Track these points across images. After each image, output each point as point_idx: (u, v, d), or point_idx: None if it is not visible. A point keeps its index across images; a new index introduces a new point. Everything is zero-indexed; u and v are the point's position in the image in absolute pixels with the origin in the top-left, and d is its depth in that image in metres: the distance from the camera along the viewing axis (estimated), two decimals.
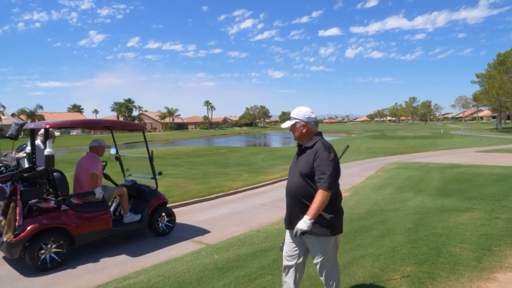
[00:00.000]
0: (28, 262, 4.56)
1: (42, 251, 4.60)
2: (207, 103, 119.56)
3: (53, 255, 4.69)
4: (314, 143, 2.65)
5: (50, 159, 4.76)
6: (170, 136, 74.71)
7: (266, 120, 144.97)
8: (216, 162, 18.98)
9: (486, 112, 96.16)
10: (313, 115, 2.74)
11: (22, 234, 4.42)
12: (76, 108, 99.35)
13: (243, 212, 7.84)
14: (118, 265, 4.82)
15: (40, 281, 4.39)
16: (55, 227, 4.73)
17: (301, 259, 2.76)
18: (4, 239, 4.37)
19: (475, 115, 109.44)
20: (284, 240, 2.87)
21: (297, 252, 2.75)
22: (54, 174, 4.83)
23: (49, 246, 4.65)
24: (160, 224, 5.95)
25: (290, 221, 2.71)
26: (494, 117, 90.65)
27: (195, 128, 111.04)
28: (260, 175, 12.97)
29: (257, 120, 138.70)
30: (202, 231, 6.26)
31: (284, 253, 2.80)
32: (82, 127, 5.95)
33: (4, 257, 5.16)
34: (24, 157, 4.90)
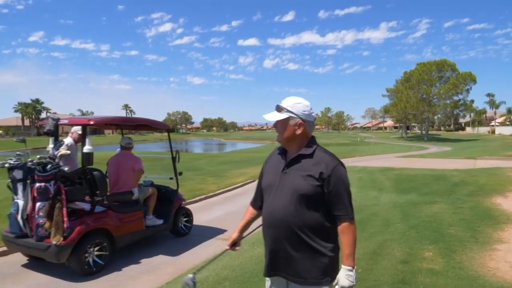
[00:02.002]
0: (73, 266, 4.35)
1: (86, 254, 4.43)
2: (126, 106, 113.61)
3: (95, 258, 4.54)
4: (313, 150, 1.92)
5: (90, 157, 4.60)
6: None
7: (188, 127, 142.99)
8: (164, 168, 18.59)
9: (389, 122, 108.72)
10: (314, 113, 2.03)
11: (71, 236, 4.23)
12: None
13: (241, 211, 8.08)
14: (166, 264, 4.85)
15: (95, 285, 4.25)
16: (98, 228, 4.58)
17: None
18: (54, 242, 4.13)
19: (381, 125, 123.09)
20: (194, 274, 2.12)
21: None
22: (94, 173, 4.68)
23: (91, 249, 4.50)
24: (181, 225, 6.01)
25: (275, 264, 1.92)
26: (396, 127, 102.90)
27: (113, 133, 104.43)
28: (225, 179, 13.24)
29: (179, 126, 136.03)
30: (217, 230, 6.46)
31: None
32: (121, 124, 5.75)
33: (27, 264, 4.78)
34: (68, 154, 4.63)
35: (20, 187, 4.44)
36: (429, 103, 51.22)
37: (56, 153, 4.50)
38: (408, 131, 70.73)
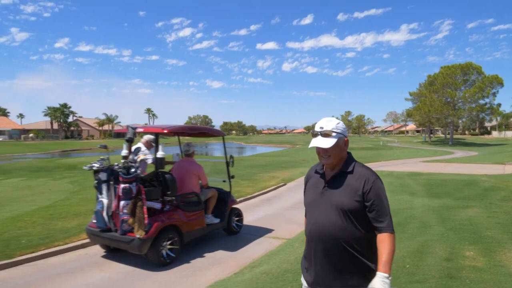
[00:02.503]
0: (151, 257, 4.98)
1: (161, 248, 5.05)
2: (148, 110, 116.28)
3: (168, 251, 5.15)
4: (352, 166, 2.02)
5: (162, 161, 5.24)
6: (109, 144, 70.97)
7: None
8: (216, 171, 19.29)
9: (411, 126, 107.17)
10: None
11: (150, 231, 4.86)
12: (1, 112, 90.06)
13: (281, 213, 8.66)
14: (228, 258, 5.43)
15: (170, 274, 4.85)
16: (171, 225, 5.20)
17: None
18: (137, 236, 4.77)
19: (403, 128, 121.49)
20: None
21: None
22: (166, 176, 5.31)
23: (165, 243, 5.11)
24: (233, 224, 6.58)
25: (322, 277, 1.98)
26: (418, 131, 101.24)
27: (136, 136, 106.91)
28: (257, 182, 13.78)
29: None
30: (265, 230, 6.99)
31: None
32: (187, 133, 6.40)
33: (106, 256, 5.45)
34: (148, 159, 5.28)
35: (104, 187, 5.11)
36: (453, 107, 50.48)
37: (136, 158, 5.15)
38: (431, 135, 69.59)
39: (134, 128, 5.22)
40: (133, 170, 4.88)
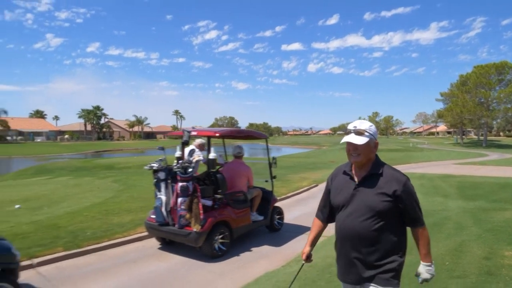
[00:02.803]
0: (205, 249, 5.47)
1: (214, 241, 5.54)
2: (176, 112, 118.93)
3: (220, 245, 5.64)
4: (382, 168, 2.15)
5: (213, 162, 5.74)
6: (139, 145, 73.55)
7: None
8: (257, 172, 19.89)
9: (442, 127, 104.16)
10: None
11: (205, 225, 5.35)
12: (39, 114, 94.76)
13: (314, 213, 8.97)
14: (274, 252, 5.86)
15: (223, 265, 5.33)
16: (222, 220, 5.68)
17: None
18: (194, 230, 5.28)
19: (433, 130, 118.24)
20: None
21: None
22: (217, 175, 5.80)
23: (217, 237, 5.60)
24: (275, 221, 7.00)
25: (354, 272, 2.16)
26: (449, 133, 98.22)
27: (164, 138, 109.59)
28: (290, 183, 14.15)
29: None
30: (304, 228, 7.37)
31: None
32: (235, 136, 6.91)
33: (162, 248, 6.01)
34: (202, 160, 5.81)
35: (163, 185, 5.67)
36: (487, 108, 48.86)
37: (191, 159, 5.66)
38: (463, 136, 67.45)
39: (189, 132, 5.73)
40: (190, 170, 5.40)
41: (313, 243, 2.49)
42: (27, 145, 58.66)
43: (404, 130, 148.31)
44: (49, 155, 46.37)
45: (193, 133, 5.89)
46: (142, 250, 6.05)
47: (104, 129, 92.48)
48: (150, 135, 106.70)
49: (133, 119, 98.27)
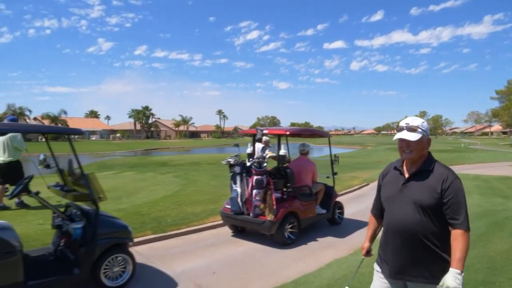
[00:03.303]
0: (276, 237, 6.06)
1: (284, 230, 6.11)
2: (219, 112, 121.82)
3: (289, 234, 6.20)
4: (433, 165, 2.15)
5: (283, 158, 6.31)
6: (185, 144, 76.21)
7: None
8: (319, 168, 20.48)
9: (496, 127, 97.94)
10: None
11: (278, 215, 5.94)
12: (93, 114, 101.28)
13: (369, 210, 9.28)
14: (338, 243, 6.34)
15: (293, 252, 5.90)
16: (292, 211, 6.24)
17: None
18: (268, 219, 5.89)
19: (486, 130, 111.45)
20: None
21: None
22: (287, 170, 6.37)
23: (287, 226, 6.16)
24: (336, 215, 7.46)
25: (400, 268, 2.16)
26: (504, 133, 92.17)
27: (208, 137, 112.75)
28: (341, 181, 14.42)
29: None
30: (363, 222, 7.75)
31: None
32: (301, 134, 7.48)
33: (235, 235, 6.69)
34: (274, 156, 6.45)
35: (238, 178, 6.33)
36: None
37: (265, 154, 6.29)
38: None
39: (262, 130, 6.35)
40: (264, 165, 6.01)
41: (372, 239, 2.56)
42: (83, 143, 62.81)
43: (454, 130, 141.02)
44: (104, 152, 49.48)
45: (265, 131, 6.49)
46: (217, 236, 6.77)
47: (152, 129, 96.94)
48: (195, 134, 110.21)
49: (178, 118, 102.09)
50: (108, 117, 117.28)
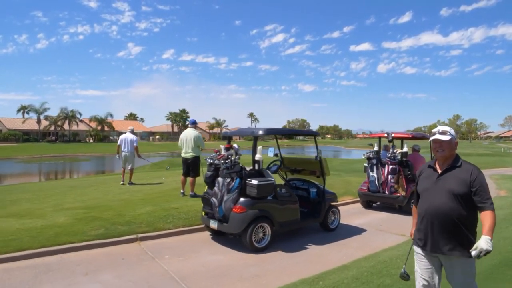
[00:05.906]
0: (405, 208, 8.62)
1: (410, 204, 8.66)
2: (251, 115, 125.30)
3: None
4: (460, 161, 2.67)
5: (406, 154, 8.91)
6: (215, 146, 77.84)
7: None
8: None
9: None
10: None
11: (407, 192, 8.55)
12: (132, 116, 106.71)
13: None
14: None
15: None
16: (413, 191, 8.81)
17: (437, 280, 2.72)
18: (402, 194, 8.52)
19: None
20: (404, 268, 2.90)
21: (434, 273, 2.72)
22: (409, 162, 8.93)
23: (413, 200, 8.71)
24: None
25: (436, 244, 2.62)
26: None
27: (239, 139, 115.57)
28: None
29: None
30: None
31: (420, 275, 2.76)
32: (406, 138, 9.82)
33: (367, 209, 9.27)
34: (404, 152, 9.09)
35: (374, 167, 8.98)
36: None
37: (395, 151, 8.91)
38: None
39: (390, 133, 8.95)
40: (397, 158, 8.65)
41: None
42: (144, 144, 63.59)
43: (488, 134, 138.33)
44: (151, 153, 51.65)
45: (392, 134, 9.11)
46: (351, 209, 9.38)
47: None
48: (225, 137, 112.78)
49: (212, 121, 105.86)
50: (142, 119, 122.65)
